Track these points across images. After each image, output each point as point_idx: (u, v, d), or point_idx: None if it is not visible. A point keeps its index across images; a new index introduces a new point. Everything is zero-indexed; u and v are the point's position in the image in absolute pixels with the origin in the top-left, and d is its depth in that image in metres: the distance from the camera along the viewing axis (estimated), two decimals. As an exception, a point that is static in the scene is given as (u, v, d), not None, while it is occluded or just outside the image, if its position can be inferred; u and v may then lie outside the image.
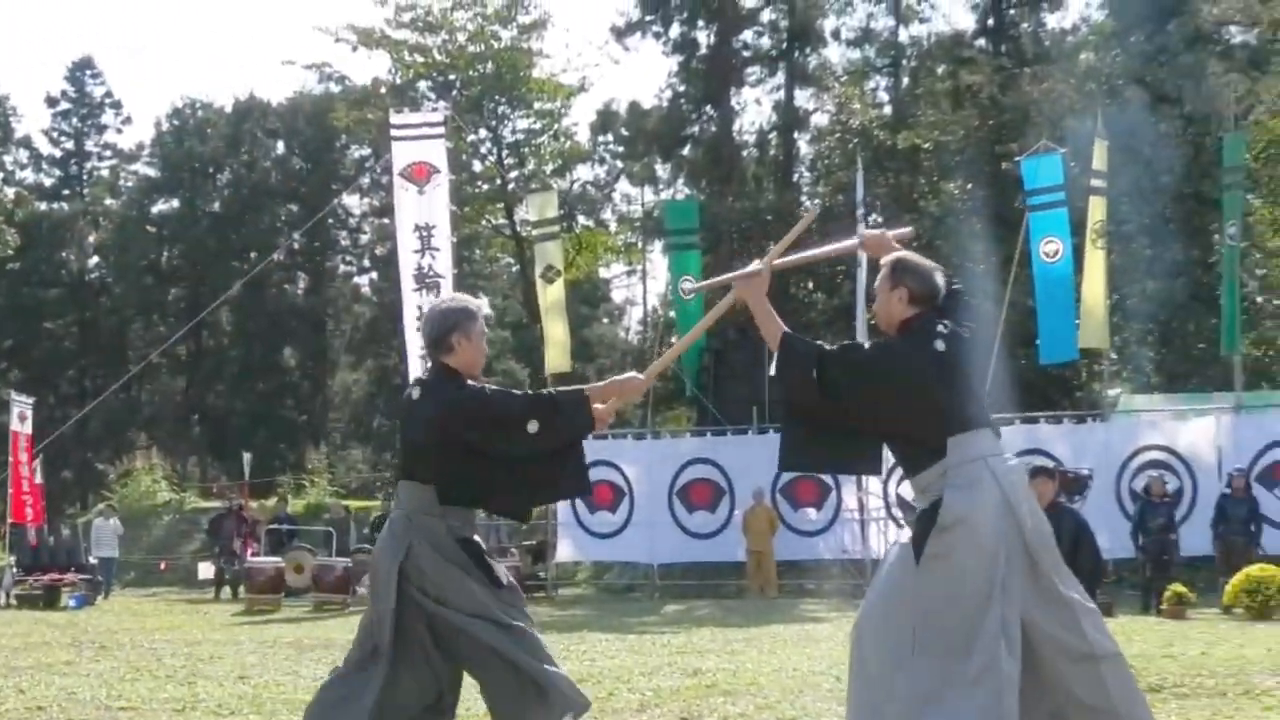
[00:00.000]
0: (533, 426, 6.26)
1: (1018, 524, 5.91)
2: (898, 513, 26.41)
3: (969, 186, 40.30)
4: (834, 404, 6.16)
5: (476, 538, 6.43)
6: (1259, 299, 36.64)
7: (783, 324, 6.44)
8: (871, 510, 26.69)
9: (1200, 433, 25.25)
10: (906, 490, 25.97)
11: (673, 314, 34.00)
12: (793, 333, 6.42)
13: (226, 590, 29.71)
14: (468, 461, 6.26)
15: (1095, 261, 25.90)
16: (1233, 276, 26.09)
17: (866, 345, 6.30)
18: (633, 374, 6.86)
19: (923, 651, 5.82)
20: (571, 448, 6.50)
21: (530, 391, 6.57)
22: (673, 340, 34.97)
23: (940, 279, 6.36)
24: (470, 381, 6.45)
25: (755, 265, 6.93)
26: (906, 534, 6.14)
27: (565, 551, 29.28)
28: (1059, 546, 11.97)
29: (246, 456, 35.29)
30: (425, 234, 26.85)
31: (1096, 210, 26.02)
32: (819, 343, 6.39)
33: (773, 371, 6.47)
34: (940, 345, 6.13)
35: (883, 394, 6.09)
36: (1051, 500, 12.27)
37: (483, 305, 6.67)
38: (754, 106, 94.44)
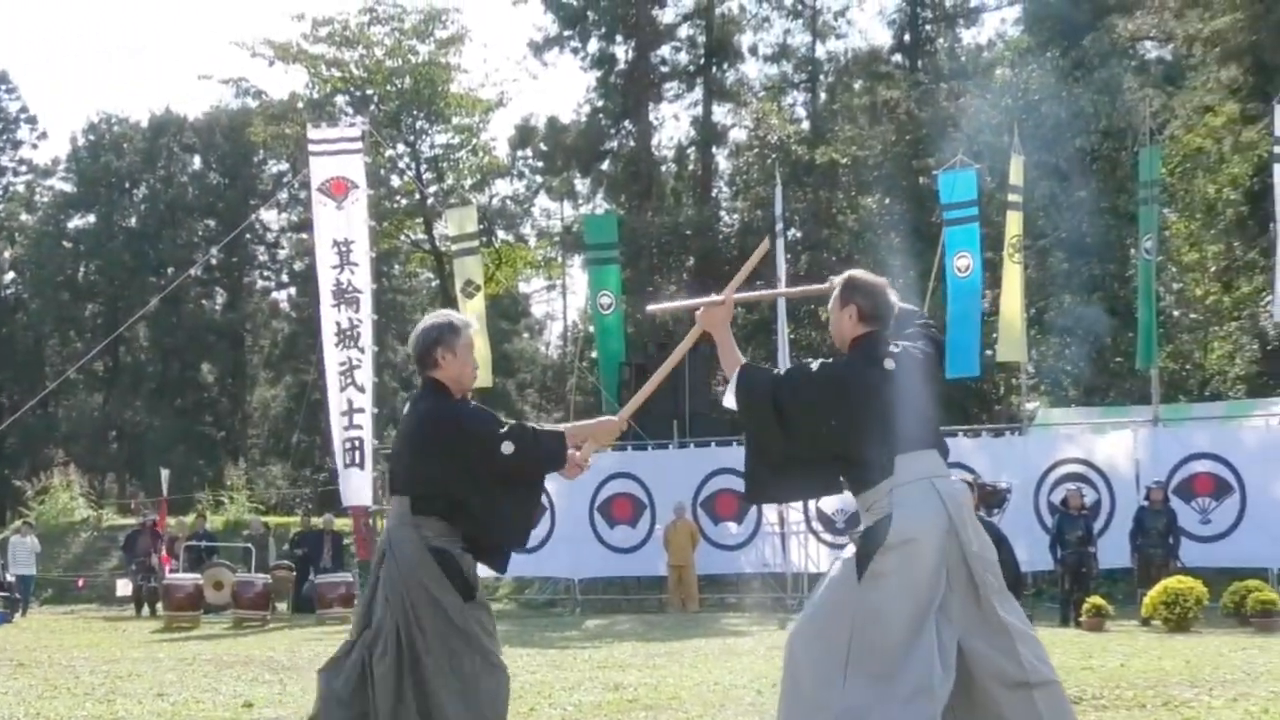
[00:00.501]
0: (507, 448, 6.28)
1: (961, 546, 5.94)
2: (818, 526, 26.48)
3: (887, 201, 40.55)
4: (789, 431, 6.15)
5: (458, 550, 6.46)
6: (1175, 313, 36.97)
7: (741, 356, 6.46)
8: (792, 524, 26.71)
9: (1118, 446, 25.38)
10: (830, 505, 26.09)
11: (592, 329, 33.99)
12: (750, 364, 6.42)
13: (145, 607, 29.42)
14: (442, 474, 6.30)
15: (1012, 275, 26.04)
16: (1149, 290, 26.26)
17: (815, 365, 6.29)
18: (607, 417, 7.01)
19: (856, 668, 5.81)
20: (534, 492, 6.67)
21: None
22: (593, 355, 34.97)
23: (892, 298, 6.37)
24: (461, 396, 6.55)
25: (717, 296, 6.93)
26: (850, 549, 6.12)
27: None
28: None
29: (165, 473, 34.90)
30: (344, 249, 26.71)
31: (1013, 224, 26.16)
32: (775, 371, 6.45)
33: (729, 401, 6.46)
34: (889, 364, 6.15)
35: (831, 412, 6.08)
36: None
37: (470, 321, 6.75)
38: (672, 122, 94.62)
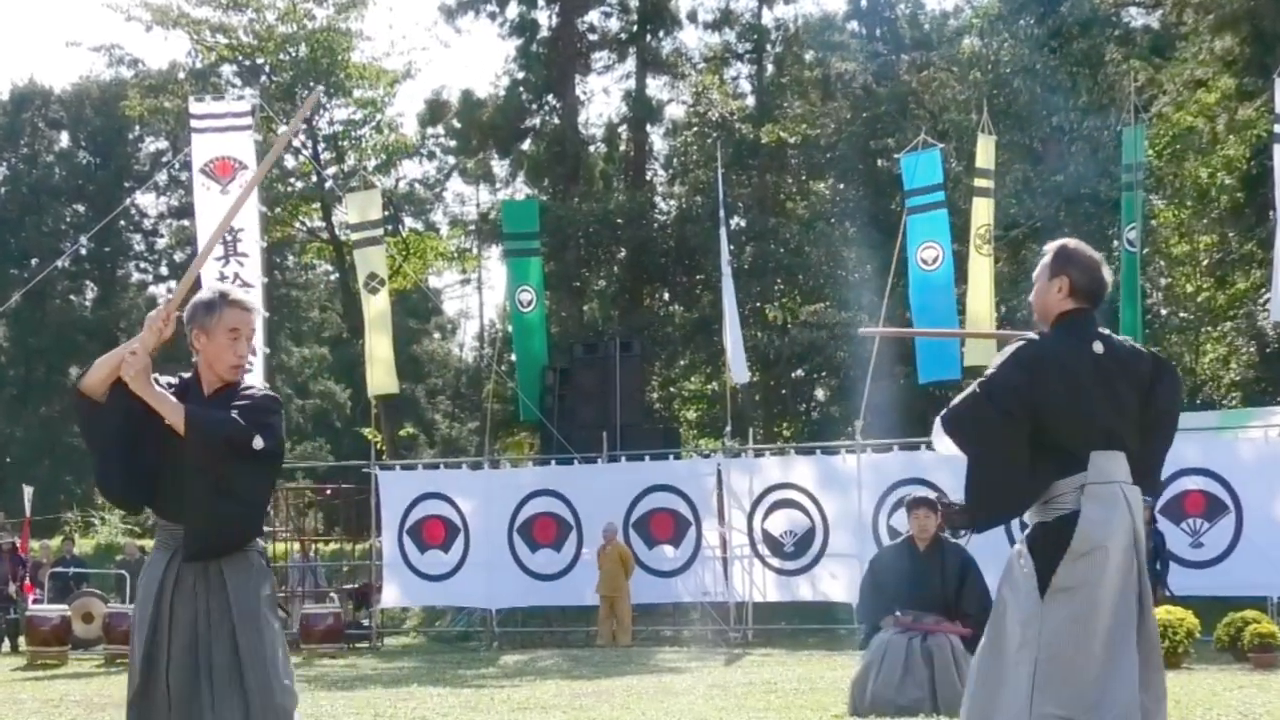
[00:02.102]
0: (258, 443, 6.24)
1: (1139, 561, 6.09)
2: (764, 551, 26.49)
3: (841, 186, 40.70)
4: (1011, 427, 6.20)
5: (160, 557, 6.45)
6: (1163, 311, 37.18)
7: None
8: (736, 548, 26.73)
9: (1101, 459, 25.45)
10: (777, 527, 26.12)
11: (511, 328, 33.93)
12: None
13: (5, 643, 29.16)
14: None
15: (981, 269, 26.13)
16: (1133, 286, 26.37)
17: (1010, 350, 6.34)
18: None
19: (1044, 698, 5.91)
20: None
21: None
22: (512, 358, 34.92)
23: (1108, 275, 6.50)
24: (225, 385, 6.42)
25: None
26: (1019, 551, 6.27)
27: (392, 596, 29.01)
28: (942, 585, 12.09)
29: (27, 490, 34.58)
30: (230, 238, 26.58)
31: (982, 212, 26.25)
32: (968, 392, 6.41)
33: (941, 446, 6.56)
34: (1098, 347, 6.28)
35: (1032, 391, 6.16)
36: (934, 535, 12.36)
37: (244, 298, 6.51)
38: (601, 96, 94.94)
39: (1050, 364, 6.17)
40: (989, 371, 6.34)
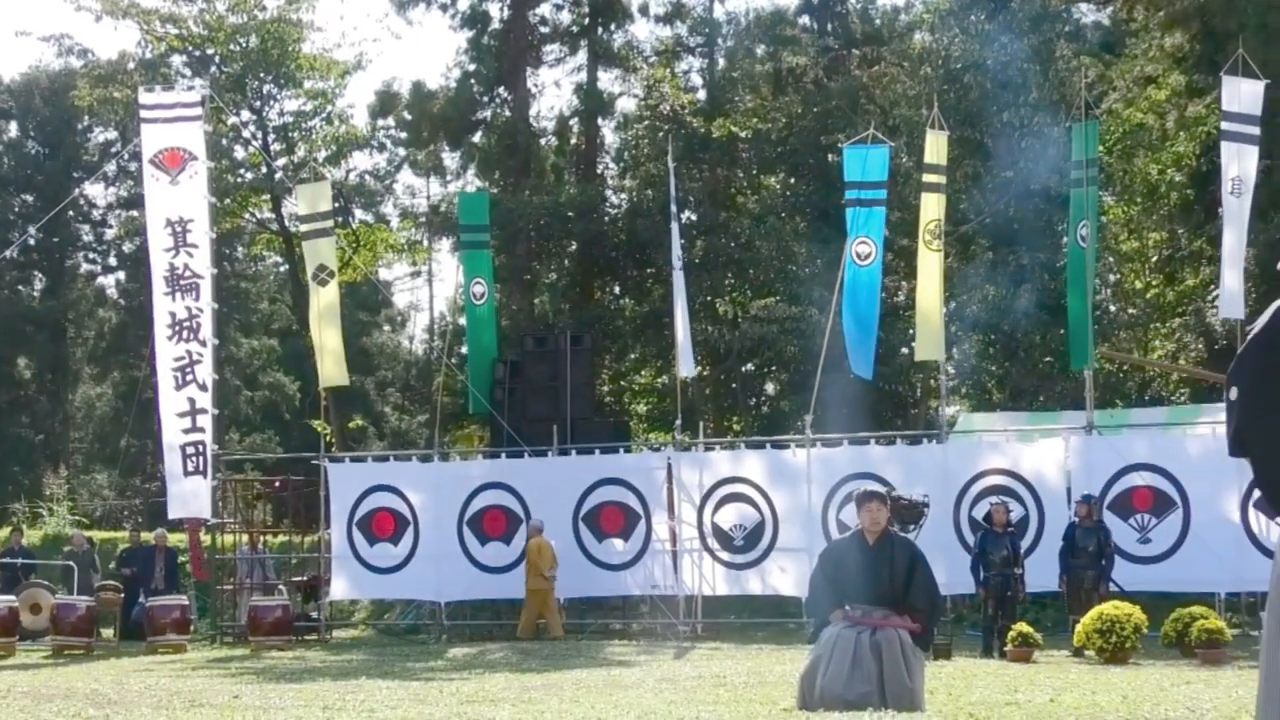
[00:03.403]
0: None
1: None
2: (714, 544, 26.50)
3: (792, 181, 40.74)
4: None
5: None
6: (1112, 308, 37.29)
7: None
8: (685, 541, 26.74)
9: (1047, 455, 25.48)
10: (727, 520, 26.14)
11: (463, 320, 33.85)
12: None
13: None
14: None
15: (930, 265, 26.15)
16: (1083, 282, 26.44)
17: None
18: None
19: None
20: None
21: None
22: (462, 350, 34.81)
23: None
24: None
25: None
26: None
27: (340, 588, 28.94)
28: (891, 578, 12.09)
29: (-27, 482, 34.51)
30: (180, 229, 26.50)
31: (931, 207, 26.28)
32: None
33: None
34: None
35: None
36: (884, 529, 12.35)
37: None
38: (553, 89, 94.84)
39: None
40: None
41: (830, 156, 38.19)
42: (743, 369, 39.57)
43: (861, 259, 25.84)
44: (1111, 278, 37.06)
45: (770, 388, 43.26)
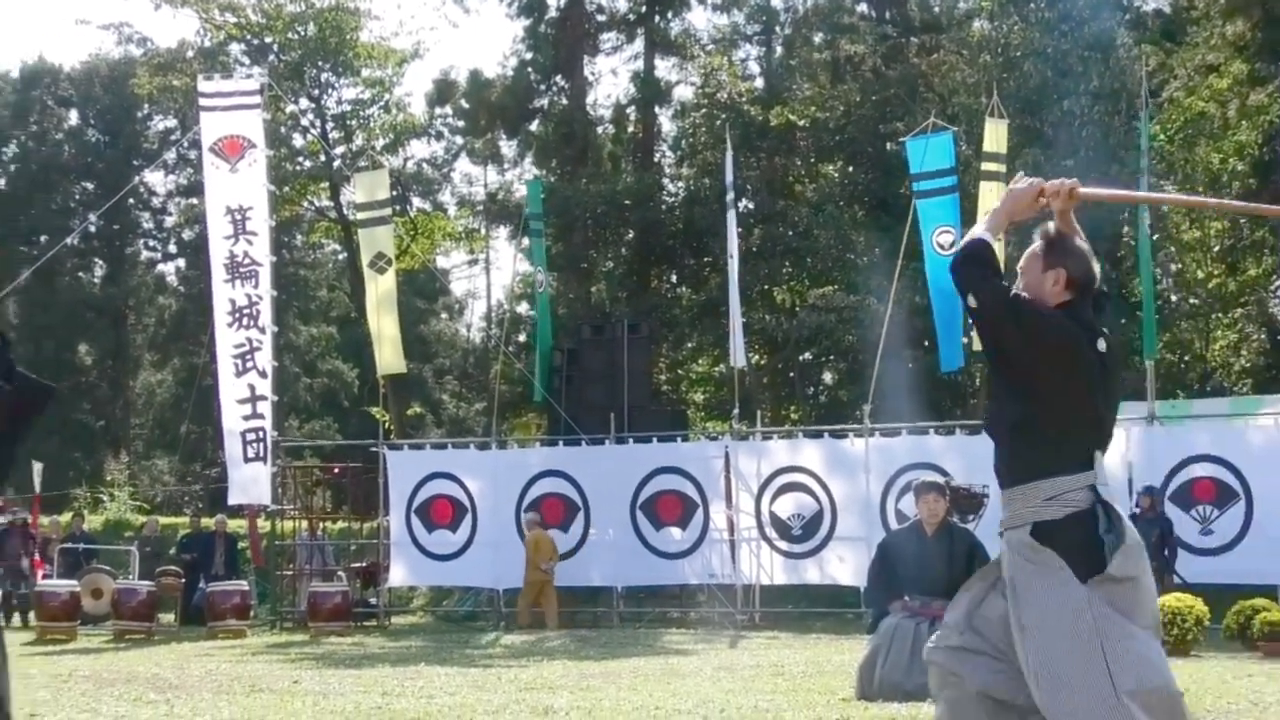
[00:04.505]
0: None
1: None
2: (773, 534, 26.45)
3: (850, 169, 40.58)
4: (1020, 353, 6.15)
5: None
6: (1173, 298, 37.04)
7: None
8: (743, 531, 26.70)
9: (1109, 446, 25.25)
10: (785, 509, 26.09)
11: (522, 309, 33.88)
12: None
13: (15, 617, 29.18)
14: None
15: (990, 254, 26.00)
16: (1149, 272, 26.30)
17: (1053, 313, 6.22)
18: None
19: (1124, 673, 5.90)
20: None
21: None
22: (520, 338, 34.83)
23: (1096, 267, 6.37)
24: None
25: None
26: (1017, 545, 6.12)
27: (399, 575, 28.98)
28: (950, 570, 12.07)
29: (37, 467, 34.63)
30: (239, 217, 26.58)
31: (990, 196, 26.10)
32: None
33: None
34: (1102, 345, 6.20)
35: (1061, 362, 6.10)
36: (942, 519, 12.32)
37: None
38: (609, 78, 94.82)
39: (1081, 345, 6.11)
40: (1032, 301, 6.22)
41: (888, 145, 38.04)
42: (800, 358, 39.46)
43: (945, 249, 25.68)
44: (1173, 267, 36.80)
45: (828, 377, 43.16)
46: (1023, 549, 6.05)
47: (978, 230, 6.37)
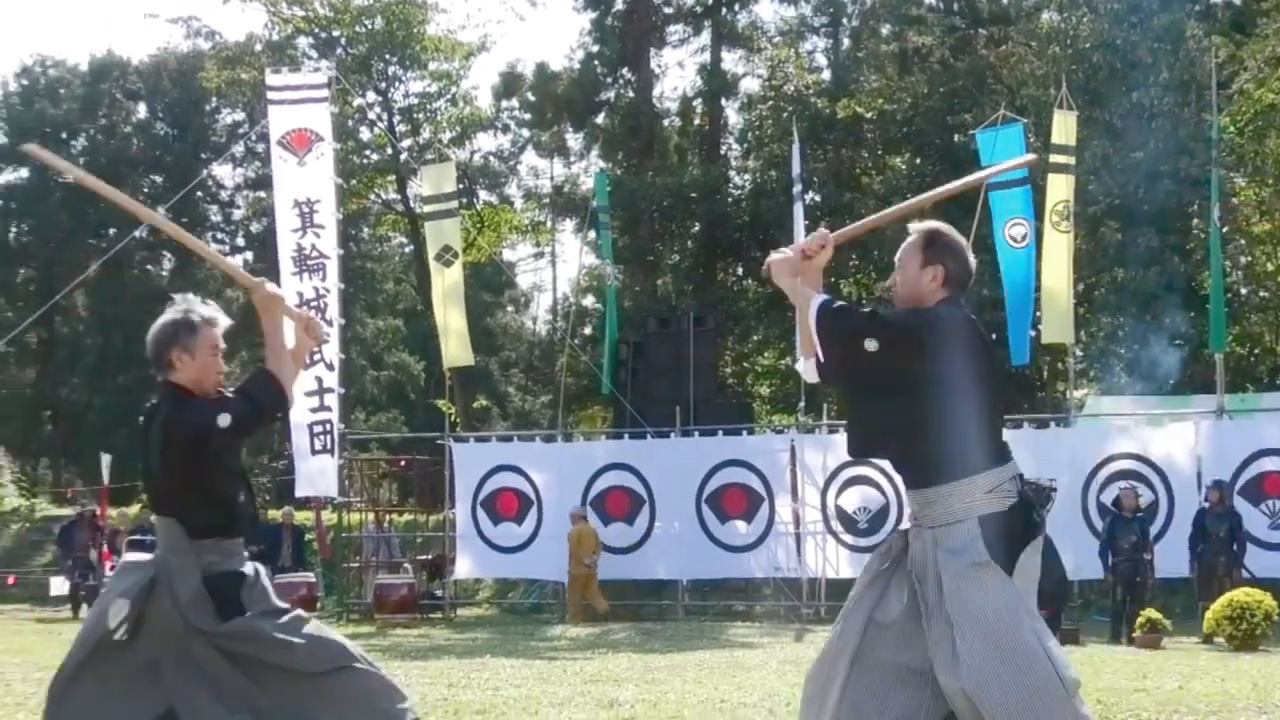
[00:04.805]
0: (225, 421, 6.46)
1: None
2: (838, 527, 26.40)
3: (918, 161, 40.40)
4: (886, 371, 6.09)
5: (247, 567, 6.54)
6: (1243, 290, 36.73)
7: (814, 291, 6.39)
8: (809, 524, 26.66)
9: (1178, 440, 25.15)
10: (851, 503, 26.04)
11: (588, 301, 33.89)
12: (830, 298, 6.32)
13: (83, 608, 29.37)
14: (204, 486, 6.44)
15: (1057, 246, 25.88)
16: (1218, 265, 26.11)
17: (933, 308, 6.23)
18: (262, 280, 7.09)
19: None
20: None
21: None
22: (586, 331, 34.84)
23: (972, 263, 6.33)
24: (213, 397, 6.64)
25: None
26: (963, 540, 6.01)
27: (465, 567, 29.06)
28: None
29: (106, 458, 34.89)
30: (307, 210, 26.66)
31: (1059, 189, 26.02)
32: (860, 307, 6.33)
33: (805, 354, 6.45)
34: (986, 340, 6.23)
35: (973, 357, 6.09)
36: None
37: (216, 316, 6.92)
38: (676, 70, 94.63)
39: (982, 339, 6.15)
40: (923, 313, 6.20)
41: (956, 137, 37.92)
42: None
43: (1017, 241, 25.58)
44: (1243, 260, 36.46)
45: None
46: (958, 543, 5.97)
47: (809, 299, 6.31)
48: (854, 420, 6.53)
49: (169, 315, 6.81)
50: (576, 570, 26.52)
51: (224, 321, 6.86)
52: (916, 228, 6.38)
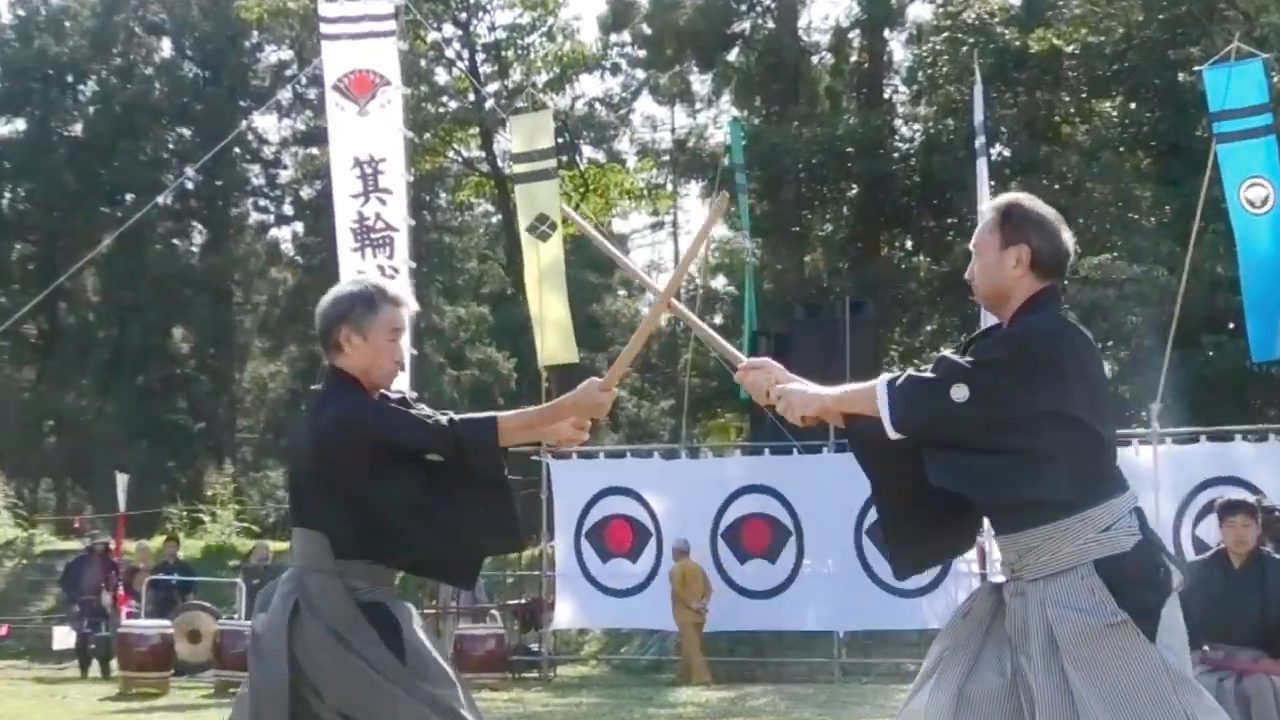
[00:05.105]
0: (435, 458, 6.48)
1: None
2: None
3: (1132, 106, 40.20)
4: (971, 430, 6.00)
5: (393, 602, 6.60)
6: None
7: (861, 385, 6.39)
8: (996, 562, 26.50)
9: None
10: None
11: (719, 283, 33.90)
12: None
13: (94, 665, 29.65)
14: (361, 501, 6.42)
15: (1312, 211, 25.65)
16: None
17: (1014, 333, 6.15)
18: (590, 383, 7.00)
19: None
20: (490, 488, 6.62)
21: (444, 415, 6.72)
22: (718, 320, 34.85)
23: (1070, 240, 6.24)
24: (379, 393, 6.76)
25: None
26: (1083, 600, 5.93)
27: (567, 615, 29.16)
28: (1263, 612, 11.92)
29: (121, 479, 35.16)
30: (370, 171, 26.79)
31: (1312, 134, 25.78)
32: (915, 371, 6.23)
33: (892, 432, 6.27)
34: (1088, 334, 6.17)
35: (1071, 380, 6.00)
36: (1253, 548, 12.15)
37: (401, 295, 6.92)
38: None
39: (1079, 346, 6.06)
40: (1003, 344, 6.13)
41: (1180, 75, 37.68)
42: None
43: (1255, 206, 25.28)
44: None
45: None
46: (1079, 599, 5.89)
47: (864, 390, 6.34)
48: (947, 468, 6.26)
49: (344, 287, 6.87)
50: (684, 617, 26.52)
51: (410, 303, 6.94)
52: (991, 203, 6.30)
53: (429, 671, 6.41)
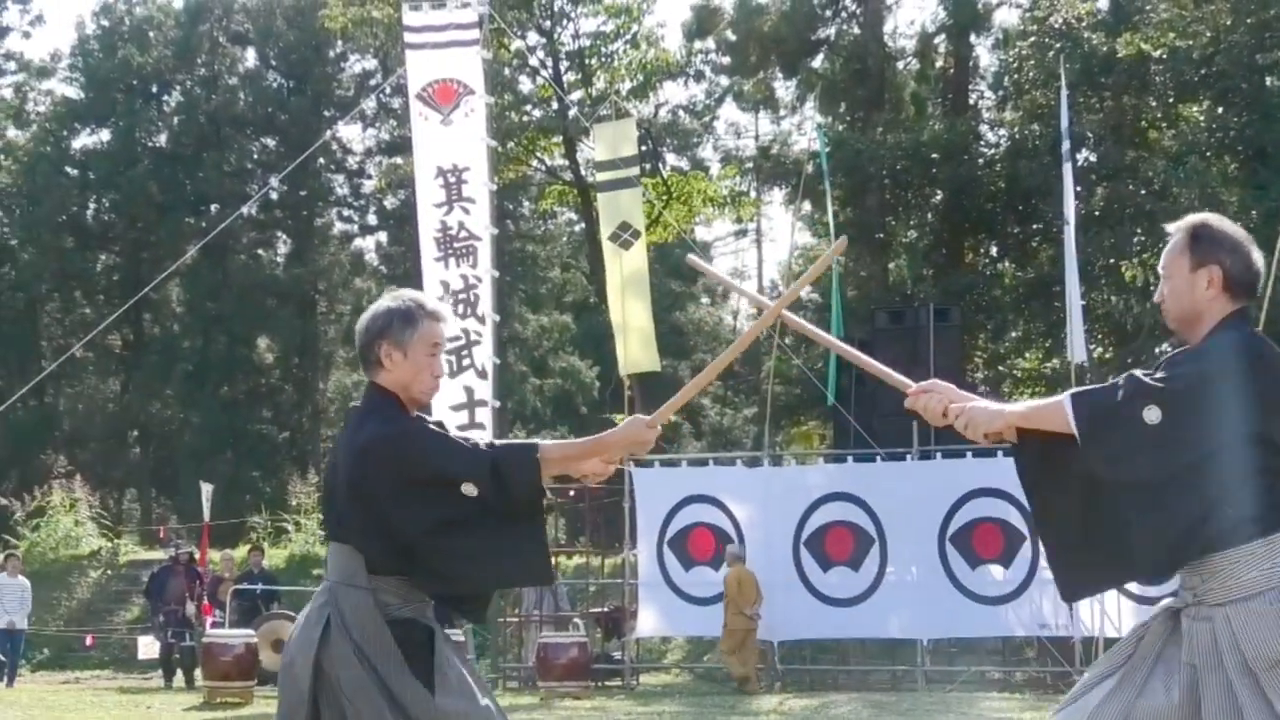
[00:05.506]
0: (470, 489, 6.43)
1: None
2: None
3: (1220, 111, 39.98)
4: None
5: (426, 618, 6.59)
6: None
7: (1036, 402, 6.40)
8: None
9: None
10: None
11: (802, 291, 33.82)
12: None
13: (178, 675, 29.80)
14: (385, 521, 6.43)
15: None
16: None
17: (1207, 351, 6.11)
18: (637, 417, 7.14)
19: None
20: (523, 520, 6.63)
21: (481, 441, 6.75)
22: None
23: (1259, 260, 6.20)
24: (416, 413, 6.78)
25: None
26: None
27: (650, 623, 29.19)
28: None
29: (206, 488, 35.38)
30: (453, 180, 26.90)
31: None
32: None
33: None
34: None
35: (1252, 403, 5.93)
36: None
37: (441, 311, 6.91)
38: (912, 1, 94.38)
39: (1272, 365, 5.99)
40: (1189, 362, 6.07)
41: (1268, 80, 37.50)
42: (1157, 350, 39.11)
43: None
44: None
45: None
46: (1262, 623, 5.83)
47: (1049, 406, 6.28)
48: (1134, 489, 6.12)
49: (384, 302, 6.88)
50: (735, 623, 26.48)
51: (451, 320, 7.03)
52: (1179, 224, 6.27)
53: (452, 689, 6.43)
